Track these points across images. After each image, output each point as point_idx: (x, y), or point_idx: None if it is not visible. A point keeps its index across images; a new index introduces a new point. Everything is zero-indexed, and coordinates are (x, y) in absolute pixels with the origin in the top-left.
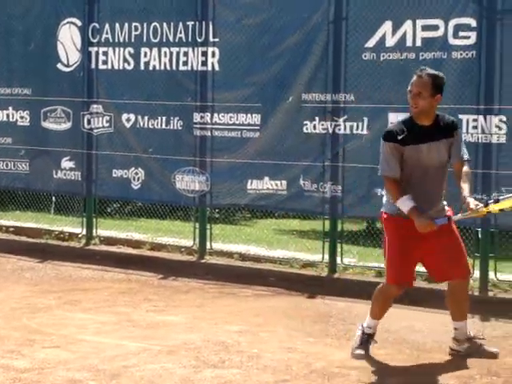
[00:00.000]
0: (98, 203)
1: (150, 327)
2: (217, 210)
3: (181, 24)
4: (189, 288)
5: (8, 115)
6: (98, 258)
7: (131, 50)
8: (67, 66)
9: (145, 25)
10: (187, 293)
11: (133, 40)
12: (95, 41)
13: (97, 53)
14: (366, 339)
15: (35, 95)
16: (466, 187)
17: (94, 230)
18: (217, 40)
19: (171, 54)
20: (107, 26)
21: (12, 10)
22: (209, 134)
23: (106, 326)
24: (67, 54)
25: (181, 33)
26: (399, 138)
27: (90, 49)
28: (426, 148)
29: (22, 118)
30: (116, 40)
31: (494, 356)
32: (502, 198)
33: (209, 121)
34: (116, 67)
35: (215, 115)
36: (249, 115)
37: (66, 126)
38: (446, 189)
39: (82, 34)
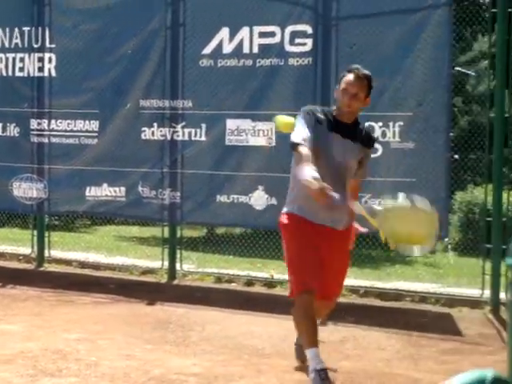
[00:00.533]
0: None
1: None
2: (56, 218)
3: (17, 29)
4: (27, 296)
5: None
6: None
7: None
8: None
9: None
10: (25, 301)
11: None
12: None
13: None
14: (324, 376)
15: None
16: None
17: None
18: (53, 46)
19: (7, 59)
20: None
21: None
22: (46, 140)
23: None
24: None
25: (17, 38)
26: (318, 114)
27: None
28: (340, 142)
29: None
30: None
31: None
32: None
33: (46, 127)
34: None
35: (52, 121)
36: (87, 121)
37: None
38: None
39: None
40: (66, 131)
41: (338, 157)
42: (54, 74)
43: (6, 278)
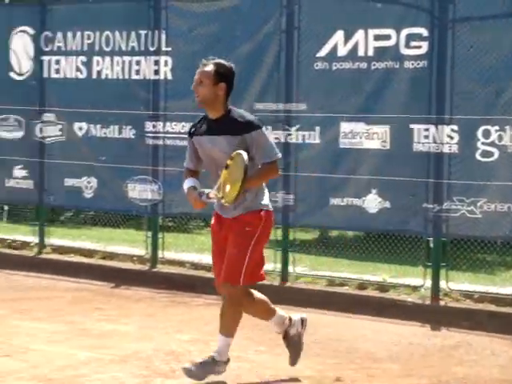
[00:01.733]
0: (50, 212)
1: (101, 336)
2: (170, 219)
3: (133, 33)
4: (140, 297)
5: None
6: (50, 266)
7: (83, 58)
8: (19, 74)
9: (97, 34)
10: (139, 302)
11: (85, 49)
12: (48, 49)
13: (49, 61)
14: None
15: None
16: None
17: (47, 239)
18: (169, 49)
19: (124, 62)
20: (60, 34)
21: None
22: (161, 142)
23: (57, 335)
24: (20, 62)
25: (133, 42)
26: (191, 130)
27: (43, 57)
28: (208, 140)
29: None
30: (68, 49)
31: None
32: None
33: (161, 129)
34: (68, 76)
35: (168, 124)
36: None
37: (19, 134)
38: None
39: (34, 43)
40: (180, 133)
41: (214, 155)
42: (169, 76)
43: (120, 278)
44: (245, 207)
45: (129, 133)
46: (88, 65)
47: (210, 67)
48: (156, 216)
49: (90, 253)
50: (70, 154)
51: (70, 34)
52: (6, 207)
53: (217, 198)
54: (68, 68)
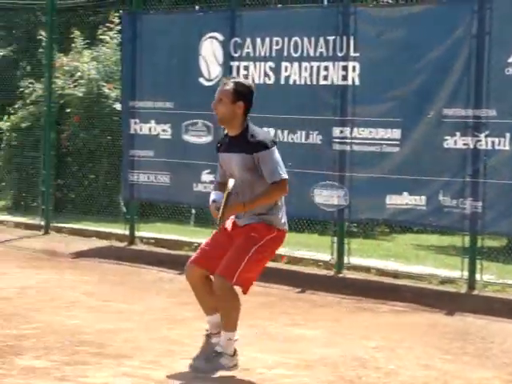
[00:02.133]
0: None
1: (287, 341)
2: (354, 225)
3: (321, 39)
4: (326, 302)
5: (150, 128)
6: None
7: (272, 64)
8: (208, 80)
9: (285, 39)
10: (324, 307)
11: (273, 54)
12: (236, 55)
13: (238, 67)
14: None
15: (177, 109)
16: (251, 197)
17: None
18: (357, 55)
19: (311, 68)
20: (249, 40)
21: (155, 25)
22: (348, 148)
23: (244, 339)
24: (209, 68)
25: (321, 47)
26: (217, 145)
27: (232, 63)
28: (227, 157)
29: (163, 131)
30: (257, 54)
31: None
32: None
33: (348, 135)
34: (256, 81)
35: (355, 129)
36: (388, 130)
37: (207, 139)
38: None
39: (223, 49)
40: (367, 139)
41: (232, 171)
42: (357, 82)
43: (306, 283)
44: (258, 219)
45: (316, 138)
46: (276, 70)
47: (229, 86)
48: (342, 222)
49: (275, 257)
50: None
51: (258, 40)
52: (193, 211)
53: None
54: (256, 73)
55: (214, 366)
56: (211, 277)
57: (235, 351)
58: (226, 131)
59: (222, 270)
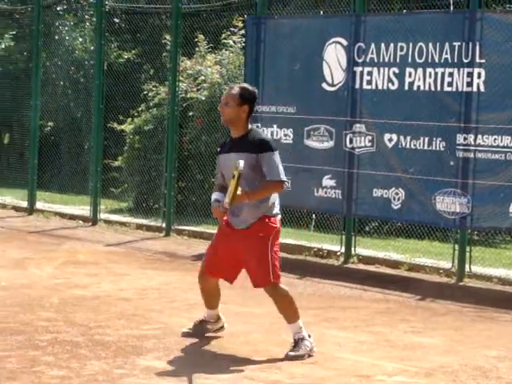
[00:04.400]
0: (357, 222)
1: (407, 348)
2: (476, 233)
3: (447, 44)
4: (447, 310)
5: (272, 133)
6: (356, 276)
7: (396, 70)
8: (331, 85)
9: (410, 45)
10: (445, 315)
11: (398, 60)
12: (360, 60)
13: (361, 72)
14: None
15: (299, 114)
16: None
17: (353, 249)
18: (483, 61)
19: (436, 74)
20: (373, 45)
21: (280, 30)
22: (472, 155)
23: (364, 345)
24: (332, 73)
25: (446, 53)
26: (219, 149)
27: (355, 68)
28: (227, 157)
29: (285, 135)
30: (381, 60)
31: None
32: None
33: (472, 142)
34: (380, 87)
35: (479, 137)
36: None
37: (329, 144)
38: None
39: (347, 54)
40: (491, 147)
41: (230, 171)
42: (482, 89)
43: (427, 291)
44: (254, 216)
45: (439, 145)
46: (400, 76)
47: (235, 90)
48: (464, 229)
49: (395, 264)
50: (379, 164)
51: (383, 45)
52: (314, 216)
53: (228, 204)
54: (380, 79)
55: (302, 349)
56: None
57: (309, 335)
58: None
59: (262, 281)
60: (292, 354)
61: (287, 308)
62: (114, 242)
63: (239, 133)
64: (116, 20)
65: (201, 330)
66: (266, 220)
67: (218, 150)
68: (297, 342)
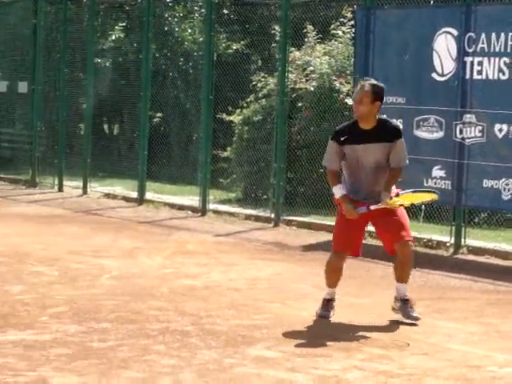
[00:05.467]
0: (466, 213)
1: None
2: None
3: None
4: None
5: None
6: (466, 267)
7: (507, 59)
8: (441, 75)
9: None
10: None
11: (509, 50)
12: (471, 50)
13: (472, 62)
14: (325, 302)
15: (409, 104)
16: (388, 184)
17: (463, 240)
18: None
19: None
20: (483, 35)
21: (389, 20)
22: None
23: (474, 336)
24: (442, 63)
25: None
26: (342, 138)
27: (465, 58)
28: (362, 148)
29: None
30: (492, 50)
31: (413, 319)
32: (402, 192)
33: None
34: (490, 77)
35: None
36: None
37: (438, 135)
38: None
39: (457, 44)
40: None
41: (365, 160)
42: None
43: None
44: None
45: None
46: (511, 66)
47: (367, 87)
48: None
49: (506, 255)
50: (490, 155)
51: (493, 35)
52: (423, 206)
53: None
54: (490, 69)
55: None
56: None
57: None
58: (345, 125)
59: (403, 236)
60: (415, 315)
61: (410, 267)
62: (223, 233)
63: (371, 125)
64: (225, 11)
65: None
66: None
67: (341, 138)
68: (408, 303)
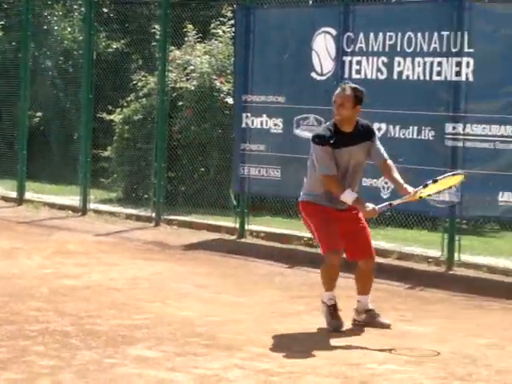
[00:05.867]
0: None
1: (397, 337)
2: (464, 221)
3: (436, 34)
4: (436, 299)
5: (262, 122)
6: (347, 266)
7: (385, 59)
8: (321, 74)
9: (399, 34)
10: (435, 304)
11: (387, 49)
12: (349, 50)
13: (350, 62)
14: (333, 310)
15: (289, 103)
16: (398, 177)
17: None
18: (471, 50)
19: (425, 63)
20: (361, 35)
21: (269, 19)
22: (461, 144)
23: (354, 334)
24: (321, 63)
25: (435, 43)
26: (331, 141)
27: (344, 58)
28: (347, 151)
29: (275, 125)
30: (370, 49)
31: (386, 326)
32: (429, 182)
33: (461, 131)
34: (369, 76)
35: (468, 126)
36: (502, 126)
37: None
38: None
39: (336, 44)
40: (480, 136)
41: (349, 162)
42: (470, 78)
43: (416, 279)
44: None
45: (428, 134)
46: (389, 66)
47: (349, 91)
48: (453, 218)
49: (385, 253)
50: None
51: (371, 35)
52: None
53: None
54: (369, 68)
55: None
56: None
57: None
58: (328, 129)
59: (371, 252)
60: (387, 321)
61: (372, 280)
62: (104, 232)
63: (351, 127)
64: (105, 10)
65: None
66: None
67: (331, 141)
68: (373, 312)
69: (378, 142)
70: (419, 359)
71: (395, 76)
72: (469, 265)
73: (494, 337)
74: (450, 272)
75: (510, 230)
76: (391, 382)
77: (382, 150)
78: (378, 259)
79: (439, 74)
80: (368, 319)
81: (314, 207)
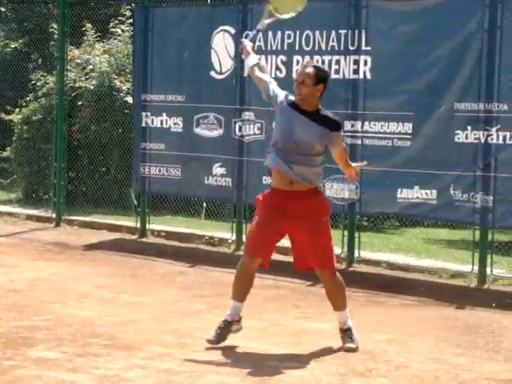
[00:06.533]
0: (247, 210)
1: (298, 334)
2: (365, 218)
3: (333, 32)
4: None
5: (162, 121)
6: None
7: (283, 57)
8: (220, 73)
9: (297, 33)
10: None
11: (285, 48)
12: None
13: None
14: (224, 326)
15: (188, 102)
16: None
17: (244, 236)
18: (369, 48)
19: (323, 62)
20: (260, 33)
21: (167, 18)
22: (359, 142)
23: (255, 332)
24: (220, 61)
25: (333, 41)
26: (287, 97)
27: (243, 56)
28: (295, 117)
29: (175, 124)
30: (269, 48)
31: (351, 350)
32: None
33: (359, 129)
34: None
35: (366, 123)
36: (400, 124)
37: (218, 132)
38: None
39: (235, 42)
40: (378, 133)
41: (293, 131)
42: (368, 76)
43: (317, 277)
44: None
45: None
46: (288, 64)
47: (310, 69)
48: (353, 215)
49: (287, 251)
50: None
51: (270, 34)
52: (204, 204)
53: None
54: (268, 67)
55: (355, 340)
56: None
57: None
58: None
59: (325, 262)
60: (353, 346)
61: (343, 295)
62: (4, 234)
63: (310, 108)
64: (2, 9)
65: (226, 333)
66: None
67: (288, 100)
68: (349, 333)
69: (341, 140)
70: (320, 356)
71: (294, 74)
72: (369, 261)
73: (394, 332)
74: (350, 269)
75: (409, 227)
76: (292, 379)
77: (341, 145)
78: (278, 257)
79: (337, 72)
80: (341, 338)
81: (262, 205)
